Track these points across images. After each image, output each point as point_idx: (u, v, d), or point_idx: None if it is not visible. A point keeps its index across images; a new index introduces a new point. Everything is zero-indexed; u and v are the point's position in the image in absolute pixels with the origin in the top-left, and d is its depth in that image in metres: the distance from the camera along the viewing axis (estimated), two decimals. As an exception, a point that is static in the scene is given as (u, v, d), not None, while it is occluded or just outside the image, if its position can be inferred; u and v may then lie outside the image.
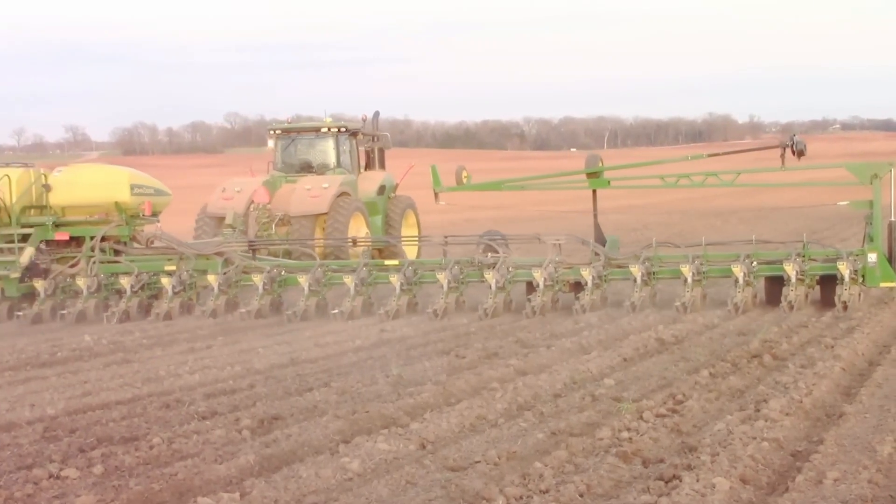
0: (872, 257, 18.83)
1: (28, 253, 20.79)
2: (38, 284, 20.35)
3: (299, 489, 8.68)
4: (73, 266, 20.89)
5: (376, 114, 28.08)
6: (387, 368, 13.75)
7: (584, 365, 13.67)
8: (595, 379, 13.03)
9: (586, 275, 19.31)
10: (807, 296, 19.02)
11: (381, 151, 27.95)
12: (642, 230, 36.58)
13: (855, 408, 11.09)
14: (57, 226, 21.32)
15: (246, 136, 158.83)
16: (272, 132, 27.13)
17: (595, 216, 21.41)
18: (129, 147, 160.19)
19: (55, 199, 21.44)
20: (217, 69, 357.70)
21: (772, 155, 20.65)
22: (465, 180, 21.54)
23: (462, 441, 10.19)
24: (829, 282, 18.99)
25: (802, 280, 18.86)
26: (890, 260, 19.01)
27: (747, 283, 18.84)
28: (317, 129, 26.81)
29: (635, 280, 19.19)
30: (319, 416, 11.06)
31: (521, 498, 8.32)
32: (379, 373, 13.41)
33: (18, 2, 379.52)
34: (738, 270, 18.75)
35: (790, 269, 18.69)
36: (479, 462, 9.26)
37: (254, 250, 21.48)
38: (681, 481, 8.43)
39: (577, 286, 19.58)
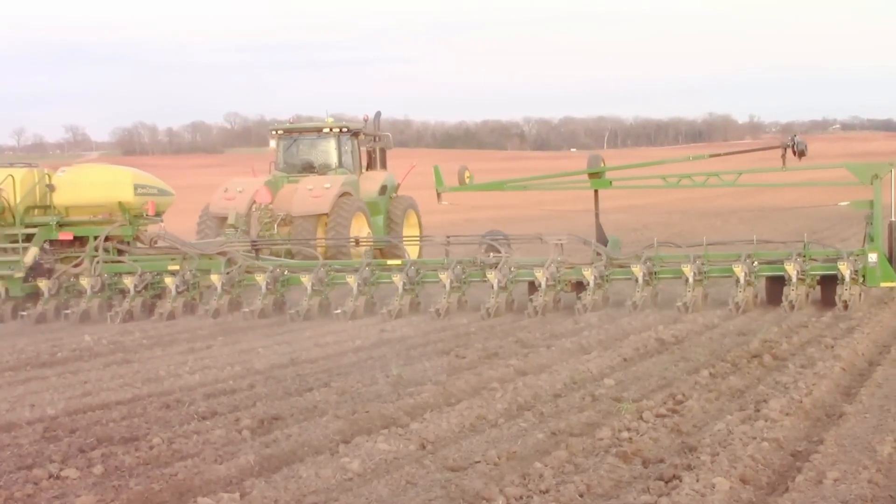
0: (873, 257, 18.86)
1: (32, 253, 20.87)
2: (42, 284, 20.42)
3: (299, 489, 8.68)
4: (76, 266, 20.96)
5: (378, 114, 28.10)
6: (387, 368, 13.75)
7: (584, 365, 13.67)
8: (595, 379, 13.03)
9: (588, 275, 19.33)
10: (807, 295, 19.04)
11: (383, 151, 27.98)
12: (642, 230, 36.58)
13: (855, 408, 11.09)
14: (61, 226, 21.37)
15: (246, 136, 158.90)
16: (274, 132, 27.17)
17: (597, 216, 21.43)
18: (129, 147, 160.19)
19: (59, 199, 21.49)
20: (217, 69, 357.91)
21: (772, 155, 20.66)
22: (467, 180, 21.57)
23: (462, 441, 10.19)
24: (829, 282, 19.02)
25: (803, 280, 18.89)
26: (890, 260, 19.04)
27: (748, 283, 18.86)
28: (319, 130, 26.84)
29: (637, 280, 19.21)
30: (319, 416, 11.06)
31: (521, 498, 8.32)
32: (379, 373, 13.42)
33: (18, 2, 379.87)
34: (740, 270, 18.78)
35: (791, 269, 18.71)
36: (479, 462, 9.26)
37: (257, 250, 21.54)
38: (681, 481, 8.43)
39: (579, 286, 19.60)
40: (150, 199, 21.65)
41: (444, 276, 19.41)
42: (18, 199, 21.17)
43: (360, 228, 24.86)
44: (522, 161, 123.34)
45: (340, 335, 17.16)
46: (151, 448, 9.87)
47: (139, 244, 21.93)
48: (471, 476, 8.87)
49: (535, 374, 13.05)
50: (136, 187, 21.54)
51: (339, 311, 19.22)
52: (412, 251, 25.57)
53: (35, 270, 20.79)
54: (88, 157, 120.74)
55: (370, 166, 27.68)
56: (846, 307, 18.14)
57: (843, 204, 21.26)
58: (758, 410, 10.72)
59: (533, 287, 19.62)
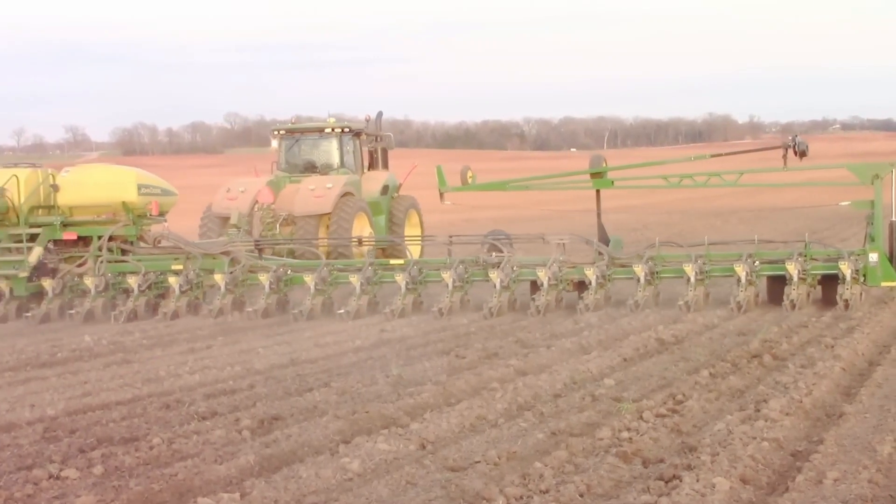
0: (874, 257, 18.89)
1: (36, 252, 20.94)
2: (47, 284, 20.53)
3: (299, 489, 8.68)
4: (80, 265, 21.05)
5: (379, 114, 28.14)
6: (387, 369, 13.75)
7: (584, 365, 13.67)
8: (595, 379, 13.02)
9: (590, 274, 19.35)
10: (808, 295, 19.07)
11: (385, 151, 28.02)
12: (642, 230, 36.60)
13: (855, 408, 11.08)
14: (65, 225, 21.46)
15: (246, 136, 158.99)
16: (276, 132, 27.19)
17: (599, 216, 21.45)
18: (129, 147, 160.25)
19: (63, 199, 21.58)
20: (217, 69, 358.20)
21: (773, 155, 20.67)
22: (469, 180, 21.59)
23: (462, 441, 10.19)
24: (830, 281, 19.05)
25: (804, 279, 18.92)
26: (891, 259, 19.07)
27: (750, 283, 18.89)
28: (320, 130, 26.86)
29: (639, 280, 19.22)
30: (319, 416, 11.06)
31: (521, 498, 8.32)
32: (379, 373, 13.41)
33: (18, 2, 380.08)
34: (741, 270, 18.80)
35: (792, 269, 18.74)
36: (479, 462, 9.25)
37: (260, 250, 21.59)
38: (681, 481, 8.43)
39: (581, 285, 19.62)
40: (154, 199, 21.72)
41: (447, 276, 19.45)
42: (23, 199, 21.27)
43: (362, 228, 24.87)
44: (522, 161, 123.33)
45: (340, 335, 17.16)
46: (151, 448, 9.86)
47: (143, 244, 21.99)
48: (471, 476, 8.86)
49: (535, 374, 13.05)
50: (139, 187, 21.62)
51: (342, 310, 19.24)
52: (414, 251, 25.62)
53: (39, 270, 20.90)
54: (88, 157, 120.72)
55: (372, 166, 27.70)
56: (847, 306, 18.19)
57: (843, 204, 21.28)
58: (758, 410, 10.71)
59: (535, 286, 19.64)
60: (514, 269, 19.76)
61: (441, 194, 21.63)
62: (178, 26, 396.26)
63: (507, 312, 19.13)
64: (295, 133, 27.02)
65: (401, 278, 19.58)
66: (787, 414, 10.55)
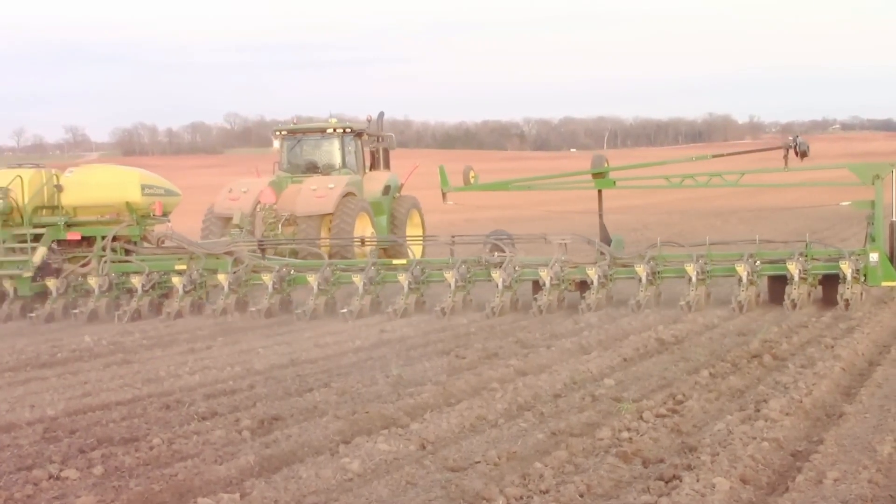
0: (874, 257, 18.92)
1: (40, 253, 21.00)
2: (51, 284, 20.59)
3: (299, 490, 8.68)
4: (84, 265, 21.10)
5: (381, 114, 28.16)
6: (387, 369, 13.75)
7: (584, 365, 13.67)
8: (595, 379, 13.02)
9: (592, 274, 19.37)
10: (809, 294, 19.09)
11: (386, 152, 28.04)
12: (643, 230, 36.59)
13: (855, 408, 11.08)
14: (69, 226, 21.52)
15: (246, 136, 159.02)
16: (278, 133, 27.22)
17: (600, 216, 21.48)
18: (129, 147, 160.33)
19: (67, 199, 21.64)
20: (217, 69, 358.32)
21: (773, 156, 20.68)
22: (472, 180, 21.61)
23: (462, 441, 10.19)
24: (831, 281, 19.08)
25: (805, 279, 18.94)
26: (891, 259, 19.10)
27: (751, 282, 18.92)
28: (322, 130, 26.89)
29: (640, 279, 19.24)
30: (319, 416, 11.06)
31: (521, 498, 8.32)
32: (379, 373, 13.41)
33: (18, 2, 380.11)
34: (742, 269, 18.83)
35: (793, 269, 18.77)
36: (479, 462, 9.25)
37: (263, 250, 21.62)
38: (681, 481, 8.43)
39: (583, 285, 19.64)
40: (157, 200, 21.78)
41: (450, 276, 19.50)
42: (27, 200, 21.32)
43: (364, 228, 24.88)
44: (522, 161, 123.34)
45: (340, 335, 17.16)
46: (151, 448, 9.86)
47: (146, 244, 22.05)
48: (471, 476, 8.86)
49: (535, 375, 13.04)
50: (143, 187, 21.68)
51: (344, 310, 19.26)
52: (416, 251, 25.64)
53: (43, 270, 20.95)
54: (88, 157, 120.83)
55: (373, 166, 27.71)
56: (847, 305, 18.23)
57: (844, 204, 21.30)
58: (758, 410, 10.71)
59: (537, 286, 19.67)
60: (517, 268, 19.79)
61: (444, 194, 21.66)
62: (178, 26, 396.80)
63: (510, 312, 19.15)
64: (297, 133, 27.05)
65: (404, 278, 19.61)
66: (787, 414, 10.55)
